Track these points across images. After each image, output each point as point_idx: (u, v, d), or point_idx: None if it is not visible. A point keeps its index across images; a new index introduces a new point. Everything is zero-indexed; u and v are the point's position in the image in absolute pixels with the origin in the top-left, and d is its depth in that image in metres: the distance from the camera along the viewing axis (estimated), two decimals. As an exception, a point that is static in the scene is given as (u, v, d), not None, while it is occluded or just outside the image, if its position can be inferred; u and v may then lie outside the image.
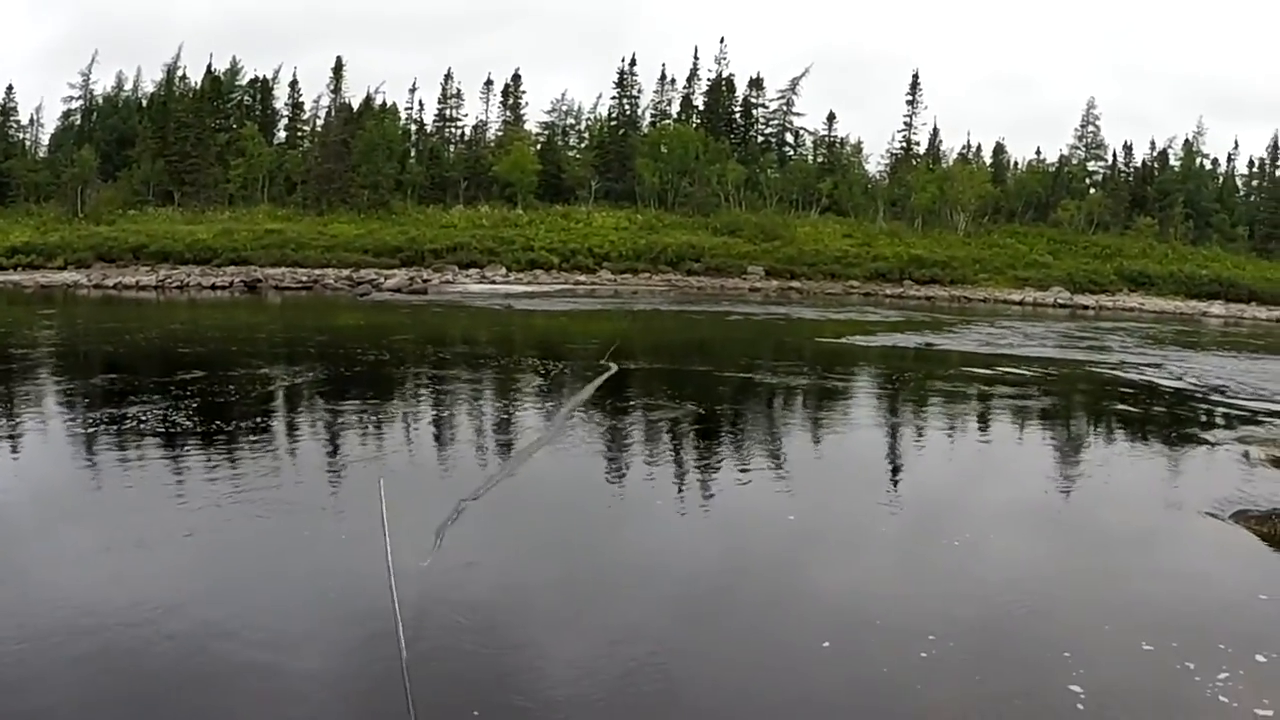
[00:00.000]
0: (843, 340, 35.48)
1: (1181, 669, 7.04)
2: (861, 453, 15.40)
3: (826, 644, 7.46)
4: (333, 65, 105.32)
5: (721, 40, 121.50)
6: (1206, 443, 16.86)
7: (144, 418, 14.91)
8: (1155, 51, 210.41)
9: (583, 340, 34.00)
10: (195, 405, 16.08)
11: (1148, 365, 30.79)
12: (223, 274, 66.09)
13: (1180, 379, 27.16)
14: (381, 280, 64.98)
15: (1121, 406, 21.56)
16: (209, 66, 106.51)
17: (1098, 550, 10.29)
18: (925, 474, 14.34)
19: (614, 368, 23.04)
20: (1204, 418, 20.52)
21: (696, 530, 10.66)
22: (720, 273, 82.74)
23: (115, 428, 14.33)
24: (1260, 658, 7.23)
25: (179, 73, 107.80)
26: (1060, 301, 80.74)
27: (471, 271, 76.28)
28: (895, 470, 14.44)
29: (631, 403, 19.26)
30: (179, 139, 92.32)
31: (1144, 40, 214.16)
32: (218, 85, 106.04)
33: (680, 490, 12.22)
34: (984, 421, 19.50)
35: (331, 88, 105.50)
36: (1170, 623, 8.02)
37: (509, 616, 7.76)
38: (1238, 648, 7.40)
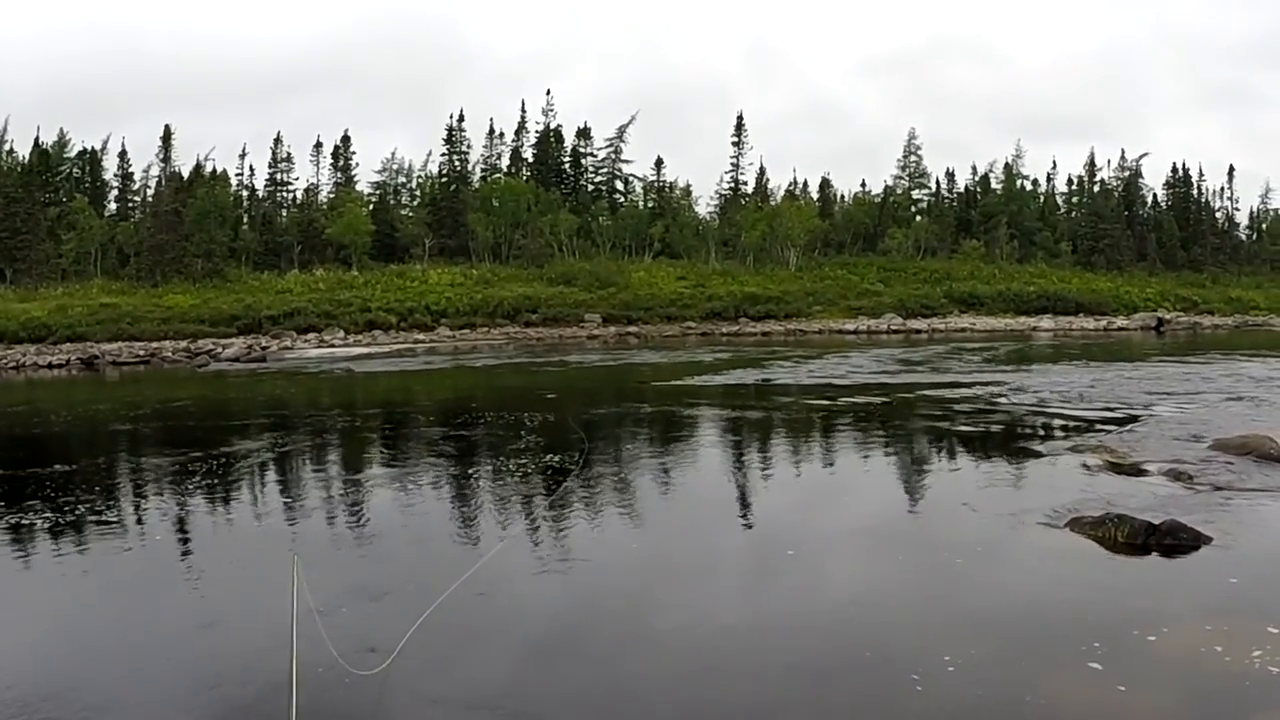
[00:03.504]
0: (682, 381, 35.72)
1: (1017, 673, 7.37)
2: (710, 489, 15.69)
3: (679, 670, 7.72)
4: (161, 134, 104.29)
5: (548, 93, 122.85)
6: (1045, 454, 17.36)
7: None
8: (966, 80, 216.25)
9: (426, 400, 34.28)
10: None
11: (982, 383, 31.53)
12: (59, 351, 64.57)
13: (1015, 394, 27.94)
14: (219, 350, 63.78)
15: (959, 426, 22.01)
16: (36, 139, 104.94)
17: (937, 566, 10.58)
18: (772, 503, 14.64)
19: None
20: (1042, 430, 21.11)
21: (554, 575, 10.71)
22: (558, 322, 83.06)
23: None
24: (1089, 656, 7.56)
25: (6, 146, 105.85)
26: (893, 328, 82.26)
27: (310, 336, 75.37)
28: (743, 502, 14.75)
29: (480, 455, 19.49)
30: (8, 215, 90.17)
31: (952, 70, 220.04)
32: (46, 158, 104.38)
33: (534, 536, 12.28)
34: (827, 450, 19.91)
35: (161, 157, 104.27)
36: (1005, 629, 8.38)
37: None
38: (1065, 647, 7.75)
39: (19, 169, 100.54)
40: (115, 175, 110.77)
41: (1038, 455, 17.39)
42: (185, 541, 12.60)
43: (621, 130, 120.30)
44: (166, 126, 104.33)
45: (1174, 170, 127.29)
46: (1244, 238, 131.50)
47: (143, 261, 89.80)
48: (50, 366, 59.02)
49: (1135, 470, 15.07)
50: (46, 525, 13.13)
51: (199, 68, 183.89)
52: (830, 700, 7.18)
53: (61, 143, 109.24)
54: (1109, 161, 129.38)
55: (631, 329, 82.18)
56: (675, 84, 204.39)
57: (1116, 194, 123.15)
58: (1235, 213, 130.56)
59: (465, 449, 20.38)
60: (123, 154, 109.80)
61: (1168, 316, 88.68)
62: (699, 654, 8.15)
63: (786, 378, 36.45)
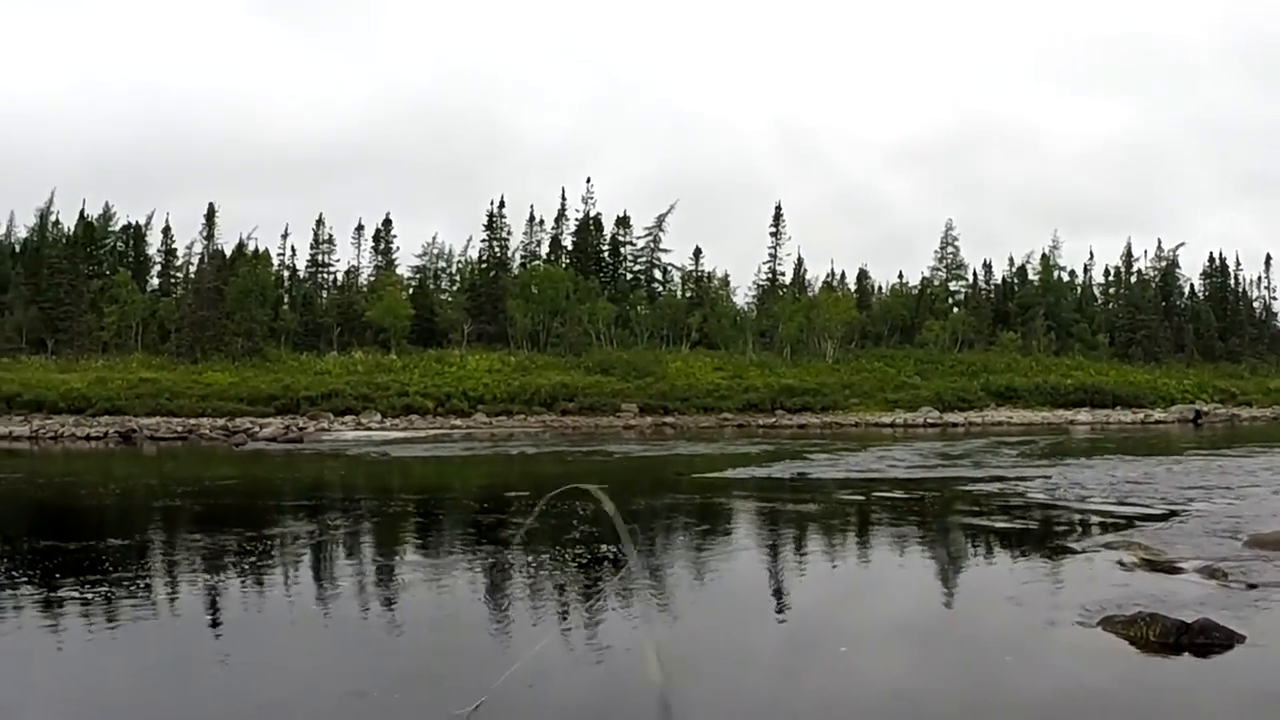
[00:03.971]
0: (722, 474, 35.40)
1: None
2: (758, 583, 15.76)
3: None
4: (205, 211, 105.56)
5: (588, 180, 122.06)
6: (1080, 551, 17.31)
7: None
8: (1002, 171, 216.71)
9: (468, 487, 34.41)
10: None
11: (1018, 478, 31.40)
12: (97, 424, 65.58)
13: (1052, 490, 27.78)
14: (257, 429, 64.43)
15: (997, 522, 21.91)
16: (82, 212, 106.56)
17: (969, 664, 10.63)
18: (808, 597, 14.66)
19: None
20: (1078, 527, 21.03)
21: (603, 667, 10.73)
22: (594, 411, 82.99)
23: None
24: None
25: (52, 218, 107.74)
26: (930, 421, 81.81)
27: (347, 418, 75.86)
28: (792, 597, 14.75)
29: (526, 544, 19.62)
30: (52, 285, 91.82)
31: (989, 161, 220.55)
32: (91, 231, 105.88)
33: (584, 628, 12.33)
34: (870, 546, 19.91)
35: (204, 234, 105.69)
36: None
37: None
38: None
39: (64, 240, 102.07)
40: (159, 251, 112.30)
41: (1073, 552, 17.36)
42: (236, 623, 12.76)
43: (660, 219, 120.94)
44: (210, 204, 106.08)
45: (1211, 260, 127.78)
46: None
47: (183, 337, 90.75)
48: (88, 438, 59.83)
49: (1169, 567, 15.10)
50: (101, 601, 13.32)
51: (243, 148, 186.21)
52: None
53: (107, 216, 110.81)
54: (1146, 252, 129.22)
55: (668, 419, 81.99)
56: (714, 174, 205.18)
57: (1153, 285, 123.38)
58: (1273, 302, 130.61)
59: (509, 538, 20.48)
60: (166, 230, 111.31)
61: (1205, 408, 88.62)
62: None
63: (826, 472, 36.45)
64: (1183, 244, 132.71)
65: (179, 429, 64.88)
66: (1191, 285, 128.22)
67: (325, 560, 17.67)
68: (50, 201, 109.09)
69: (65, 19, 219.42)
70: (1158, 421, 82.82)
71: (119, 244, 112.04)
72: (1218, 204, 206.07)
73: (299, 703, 9.27)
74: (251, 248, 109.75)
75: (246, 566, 16.23)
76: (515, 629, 12.39)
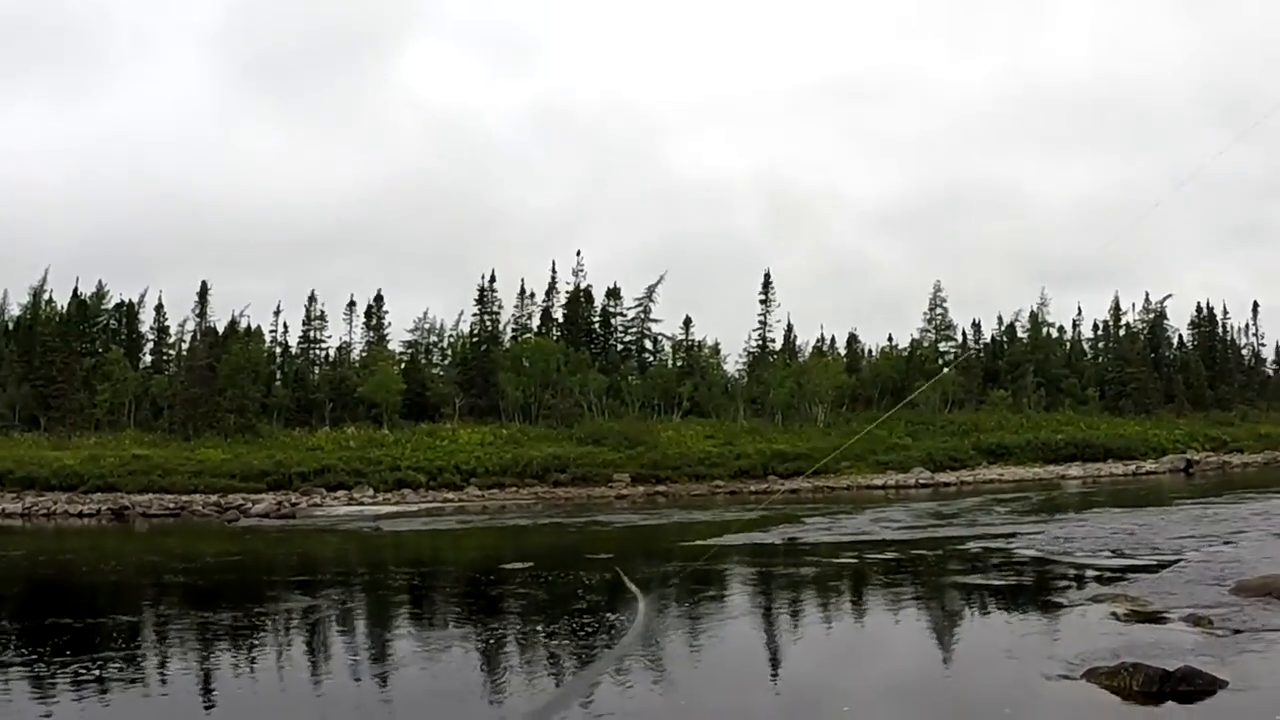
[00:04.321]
0: (716, 540, 34.73)
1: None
2: (758, 648, 16.01)
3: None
4: (198, 289, 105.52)
5: (578, 253, 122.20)
6: (1069, 605, 17.58)
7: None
8: (988, 230, 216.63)
9: (463, 560, 34.45)
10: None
11: (1009, 535, 31.61)
12: (90, 501, 64.95)
13: (1044, 545, 27.93)
14: (249, 505, 63.80)
15: (991, 580, 22.14)
16: (75, 290, 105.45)
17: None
18: (810, 659, 15.00)
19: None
20: (1071, 581, 21.21)
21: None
22: (587, 482, 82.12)
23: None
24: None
25: (45, 296, 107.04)
26: (921, 481, 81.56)
27: (339, 493, 75.07)
28: (781, 657, 15.12)
29: (524, 616, 19.81)
30: (45, 363, 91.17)
31: (974, 221, 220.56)
32: (84, 309, 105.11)
33: (587, 700, 12.18)
34: (860, 606, 20.20)
35: (197, 312, 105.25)
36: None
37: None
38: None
39: (57, 318, 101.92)
40: (151, 328, 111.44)
41: (1063, 606, 17.60)
42: (238, 700, 12.95)
43: (650, 290, 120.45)
44: (203, 282, 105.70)
45: (1198, 310, 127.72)
46: (1271, 373, 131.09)
47: (176, 414, 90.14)
48: (80, 515, 59.54)
49: (1156, 617, 15.33)
50: (102, 677, 13.52)
51: (236, 226, 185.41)
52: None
53: (100, 294, 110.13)
54: (1134, 305, 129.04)
55: (660, 488, 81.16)
56: (703, 243, 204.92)
57: (1142, 337, 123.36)
58: (1261, 348, 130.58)
59: (507, 609, 20.71)
60: (159, 308, 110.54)
61: (1197, 457, 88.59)
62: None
63: (821, 535, 36.41)
64: (1170, 295, 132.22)
65: (171, 505, 64.38)
66: (1180, 336, 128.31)
67: (326, 636, 17.84)
68: (44, 279, 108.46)
69: (58, 96, 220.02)
70: (1149, 473, 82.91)
71: (112, 322, 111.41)
72: (1203, 255, 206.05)
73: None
74: (244, 325, 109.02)
75: (254, 642, 16.46)
76: (519, 700, 12.55)
